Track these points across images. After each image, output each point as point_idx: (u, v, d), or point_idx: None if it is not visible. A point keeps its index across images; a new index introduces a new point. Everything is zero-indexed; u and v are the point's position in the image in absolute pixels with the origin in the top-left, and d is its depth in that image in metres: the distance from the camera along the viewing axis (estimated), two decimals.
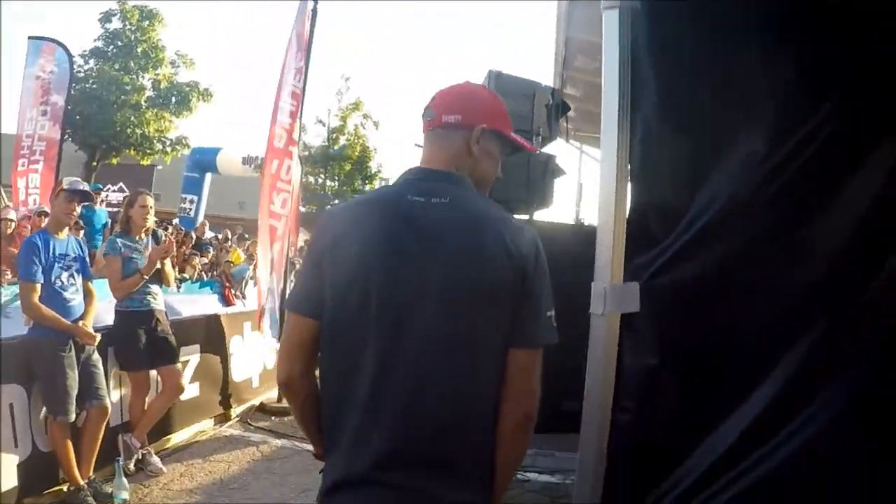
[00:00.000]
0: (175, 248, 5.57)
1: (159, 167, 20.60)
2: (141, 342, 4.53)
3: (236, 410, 6.29)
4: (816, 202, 1.59)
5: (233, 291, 8.07)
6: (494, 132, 1.55)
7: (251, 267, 11.57)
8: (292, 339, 1.49)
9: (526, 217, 4.74)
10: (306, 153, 24.51)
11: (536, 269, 1.40)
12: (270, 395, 6.79)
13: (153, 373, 4.78)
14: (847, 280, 1.56)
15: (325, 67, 66.50)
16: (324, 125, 25.67)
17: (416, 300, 1.36)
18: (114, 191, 19.12)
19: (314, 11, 6.63)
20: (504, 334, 1.38)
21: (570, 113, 5.28)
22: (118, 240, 4.60)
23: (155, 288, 4.74)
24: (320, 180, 25.80)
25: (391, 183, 1.60)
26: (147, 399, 4.77)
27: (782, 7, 1.58)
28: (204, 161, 19.15)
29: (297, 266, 14.39)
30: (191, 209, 18.55)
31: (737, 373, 1.67)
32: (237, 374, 6.43)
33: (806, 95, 1.58)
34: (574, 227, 6.80)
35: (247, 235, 15.95)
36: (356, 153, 25.89)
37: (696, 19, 1.74)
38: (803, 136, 1.56)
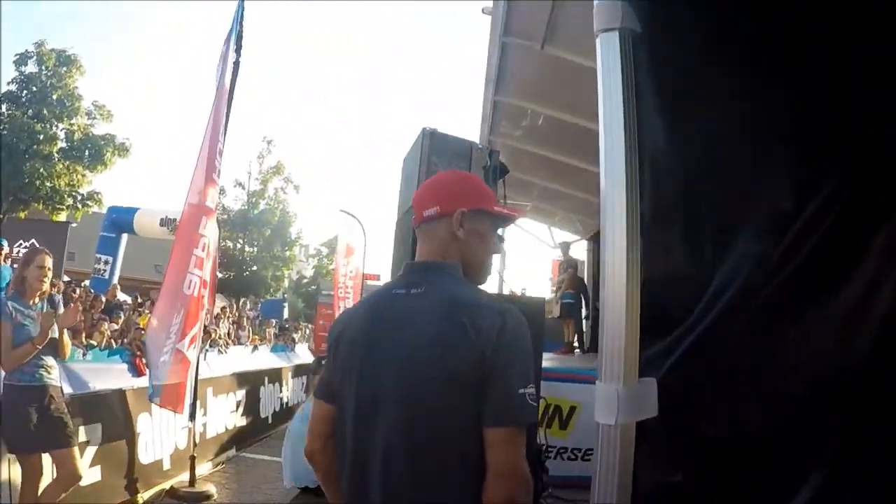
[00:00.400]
0: (80, 314, 5.07)
1: (73, 224, 19.61)
2: (32, 422, 4.00)
3: (144, 496, 5.67)
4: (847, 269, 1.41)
5: (143, 360, 7.51)
6: (475, 211, 1.60)
7: None
8: (314, 418, 1.70)
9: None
10: (225, 216, 23.94)
11: (500, 347, 1.39)
12: (182, 477, 6.17)
13: (46, 457, 4.23)
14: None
15: (247, 128, 65.92)
16: (243, 188, 25.36)
17: (385, 389, 1.46)
18: (25, 247, 18.04)
19: (236, 65, 6.39)
20: (474, 416, 1.39)
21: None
22: (10, 303, 4.11)
23: (49, 360, 4.24)
24: (239, 245, 25.23)
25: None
26: (40, 486, 4.20)
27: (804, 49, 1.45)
28: (121, 221, 18.42)
29: (213, 335, 13.79)
30: (105, 270, 17.70)
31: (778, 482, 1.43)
32: (145, 455, 5.82)
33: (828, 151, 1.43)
34: (498, 297, 6.68)
35: None
36: (276, 217, 25.55)
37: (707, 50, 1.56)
38: (829, 193, 1.39)
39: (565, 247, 11.90)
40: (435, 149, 4.00)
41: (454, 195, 1.61)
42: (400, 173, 4.89)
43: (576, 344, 10.42)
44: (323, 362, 4.92)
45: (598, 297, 10.43)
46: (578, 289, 10.80)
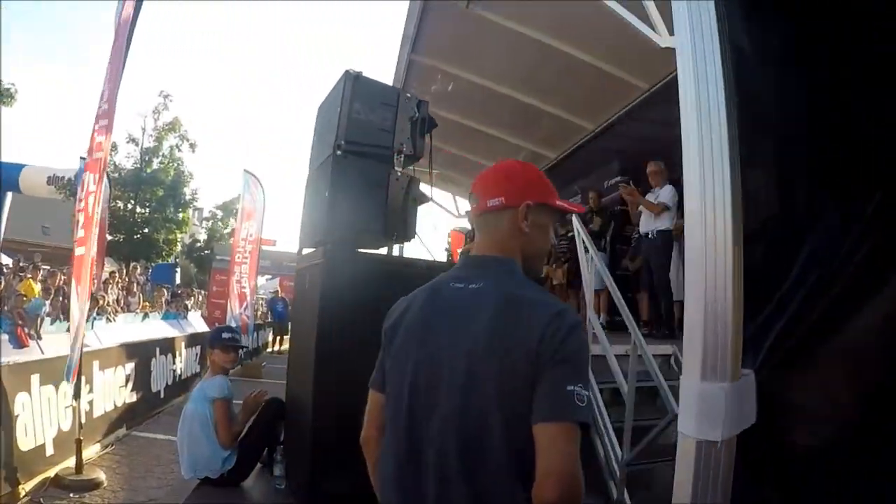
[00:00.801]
0: None
1: None
2: None
3: (25, 487, 5.01)
4: None
5: (26, 331, 6.76)
6: (540, 205, 1.61)
7: (47, 302, 9.98)
8: (369, 408, 1.72)
9: (384, 252, 4.20)
10: (116, 175, 22.46)
11: (555, 345, 1.39)
12: (68, 463, 5.52)
13: None
14: None
15: (143, 82, 62.05)
16: (136, 145, 23.84)
17: (441, 382, 1.48)
18: None
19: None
20: (527, 413, 1.38)
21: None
22: None
23: None
24: (130, 205, 23.76)
25: None
26: None
27: None
28: (5, 177, 17.11)
29: (101, 302, 12.78)
30: None
31: None
32: (25, 440, 5.14)
33: None
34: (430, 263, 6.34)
35: (46, 266, 14.08)
36: (170, 177, 24.26)
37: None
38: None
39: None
40: (359, 94, 3.61)
41: (521, 187, 1.61)
42: (314, 124, 4.43)
43: None
44: (224, 335, 4.43)
45: None
46: None
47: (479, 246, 1.65)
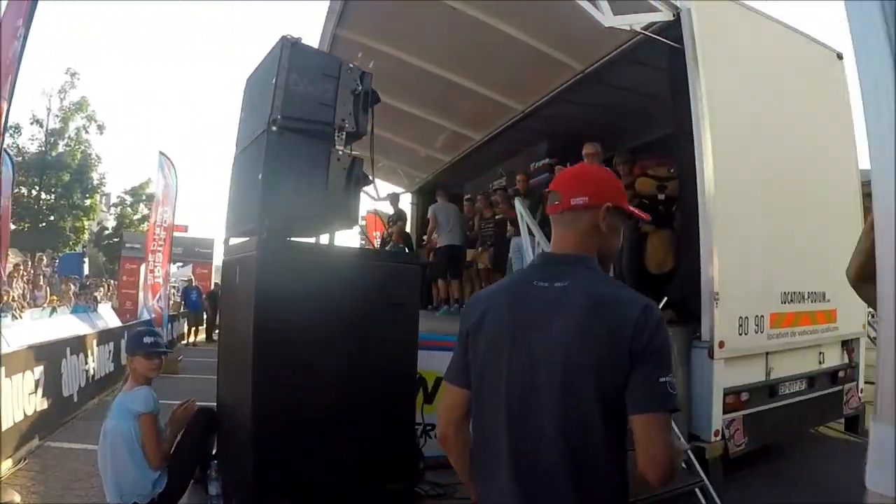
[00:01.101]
0: None
1: None
2: None
3: None
4: None
5: None
6: (617, 209, 1.71)
7: None
8: (444, 402, 1.85)
9: (326, 239, 3.87)
10: (19, 158, 21.05)
11: (644, 339, 1.49)
12: None
13: None
14: None
15: (49, 59, 58.21)
16: (41, 126, 22.39)
17: (538, 380, 1.57)
18: None
19: None
20: (622, 405, 1.50)
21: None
22: None
23: None
24: (34, 192, 22.28)
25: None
26: None
27: None
28: None
29: (6, 298, 11.77)
30: None
31: None
32: None
33: None
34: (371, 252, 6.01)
35: None
36: (76, 161, 22.91)
37: None
38: None
39: (394, 198, 11.24)
40: (296, 63, 3.25)
41: (602, 189, 1.71)
42: (241, 99, 4.03)
43: None
44: (146, 339, 3.89)
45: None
46: (406, 243, 10.40)
47: (559, 243, 1.73)
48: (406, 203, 13.23)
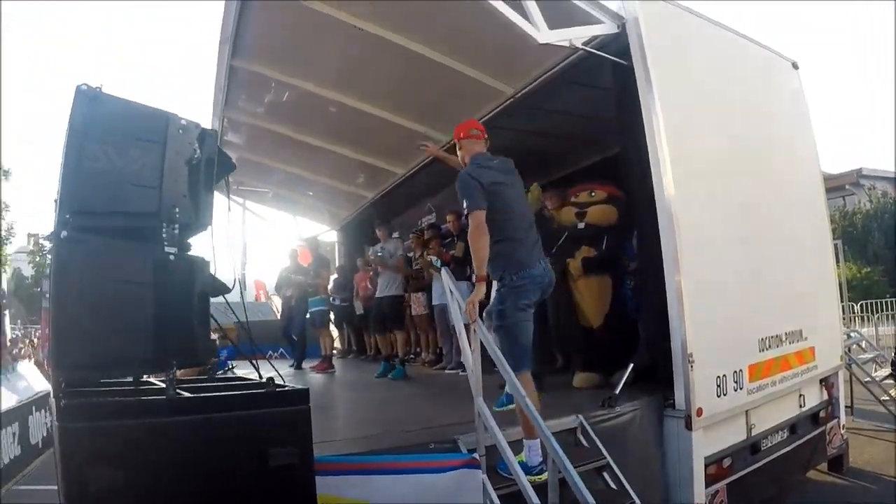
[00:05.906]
0: None
1: None
2: None
3: None
4: None
5: None
6: None
7: None
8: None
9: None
10: None
11: None
12: None
13: None
14: None
15: None
16: None
17: None
18: None
19: None
20: None
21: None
22: None
23: None
24: None
25: None
26: None
27: None
28: None
29: None
30: None
31: None
32: None
33: None
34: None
35: None
36: None
37: None
38: None
39: (313, 243, 10.22)
40: (96, 126, 2.14)
41: None
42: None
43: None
44: None
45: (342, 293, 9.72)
46: (339, 292, 9.79)
47: None
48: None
